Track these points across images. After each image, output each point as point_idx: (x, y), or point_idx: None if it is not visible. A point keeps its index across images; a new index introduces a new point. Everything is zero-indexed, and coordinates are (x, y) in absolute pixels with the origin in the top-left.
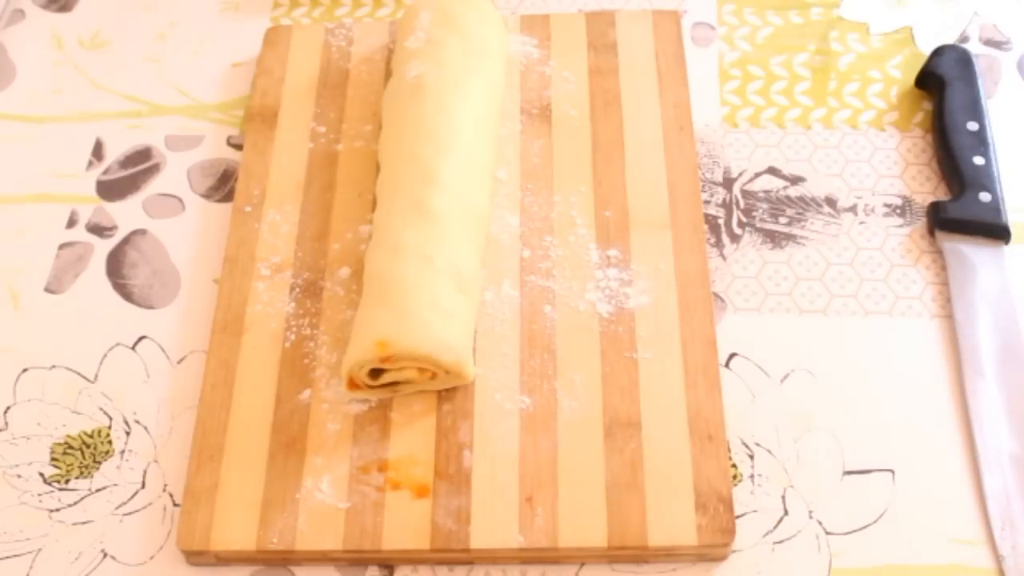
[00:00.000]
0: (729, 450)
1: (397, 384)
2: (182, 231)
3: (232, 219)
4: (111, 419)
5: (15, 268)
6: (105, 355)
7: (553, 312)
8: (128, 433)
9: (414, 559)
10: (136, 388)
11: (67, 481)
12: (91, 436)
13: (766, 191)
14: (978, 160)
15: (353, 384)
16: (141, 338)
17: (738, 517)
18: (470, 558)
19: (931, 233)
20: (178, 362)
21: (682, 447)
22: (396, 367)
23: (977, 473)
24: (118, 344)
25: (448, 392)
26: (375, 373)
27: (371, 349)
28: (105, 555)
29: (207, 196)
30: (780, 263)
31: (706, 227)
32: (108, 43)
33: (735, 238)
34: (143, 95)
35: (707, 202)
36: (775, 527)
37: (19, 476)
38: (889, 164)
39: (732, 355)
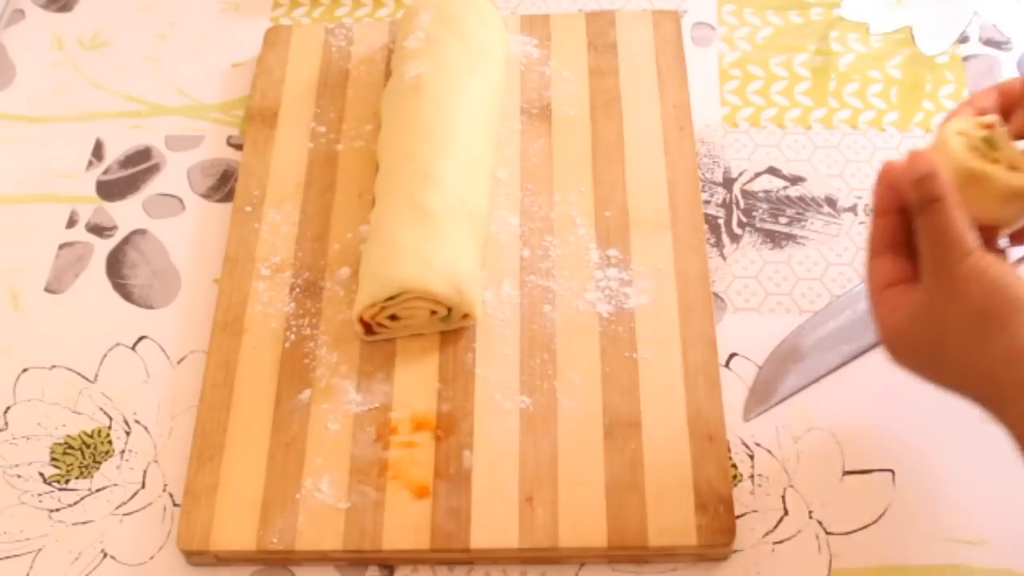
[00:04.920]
0: (729, 450)
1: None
2: (182, 231)
3: (232, 219)
4: (111, 419)
5: (15, 268)
6: (105, 355)
7: (553, 312)
8: (128, 433)
9: (414, 559)
10: (136, 388)
11: (67, 481)
12: (91, 436)
13: (766, 191)
14: None
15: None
16: (141, 338)
17: (738, 517)
18: (470, 558)
19: None
20: (178, 362)
21: (682, 447)
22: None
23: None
24: (118, 344)
25: (448, 392)
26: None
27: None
28: (105, 555)
29: (207, 196)
30: (780, 263)
31: (706, 227)
32: (108, 43)
33: (735, 238)
34: (143, 95)
35: (707, 202)
36: (775, 527)
37: (19, 476)
38: None
39: (732, 355)
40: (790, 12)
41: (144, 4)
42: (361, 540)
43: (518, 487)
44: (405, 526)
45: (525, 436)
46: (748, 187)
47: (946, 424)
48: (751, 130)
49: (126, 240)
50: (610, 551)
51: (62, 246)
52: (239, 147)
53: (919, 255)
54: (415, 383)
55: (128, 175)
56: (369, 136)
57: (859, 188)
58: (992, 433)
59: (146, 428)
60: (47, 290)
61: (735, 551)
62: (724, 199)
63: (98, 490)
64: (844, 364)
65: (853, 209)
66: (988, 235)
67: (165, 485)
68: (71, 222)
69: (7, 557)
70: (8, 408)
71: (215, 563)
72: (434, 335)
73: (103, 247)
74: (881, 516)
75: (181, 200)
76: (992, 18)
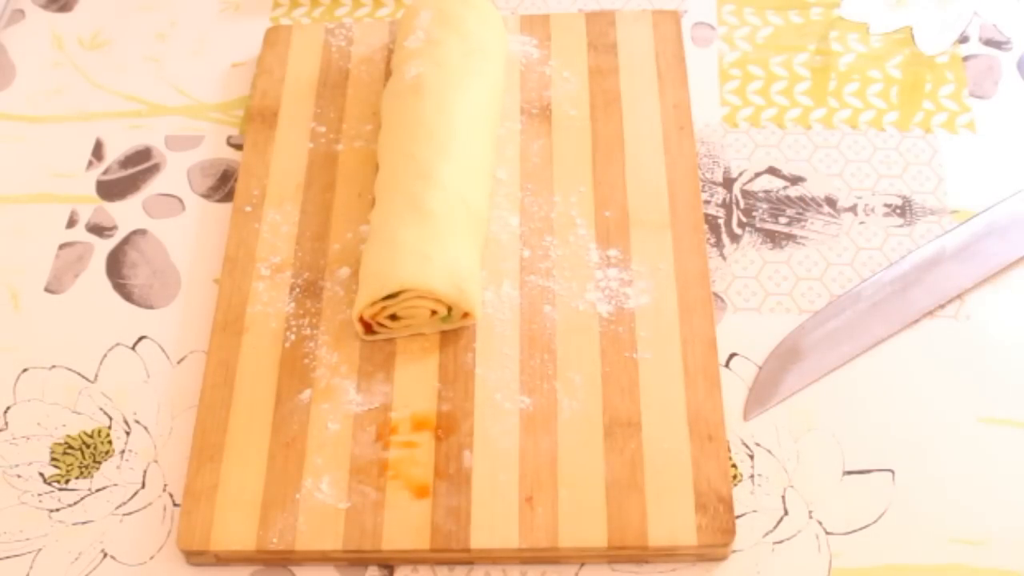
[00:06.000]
0: (729, 450)
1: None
2: (182, 231)
3: (232, 219)
4: (111, 419)
5: (15, 268)
6: (105, 355)
7: (553, 312)
8: (128, 433)
9: (414, 559)
10: (136, 388)
11: (67, 481)
12: (91, 436)
13: (766, 191)
14: None
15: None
16: (141, 338)
17: (738, 517)
18: (470, 558)
19: None
20: (178, 362)
21: (682, 447)
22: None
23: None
24: (118, 344)
25: (448, 392)
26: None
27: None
28: (105, 555)
29: (207, 196)
30: (780, 263)
31: (706, 227)
32: (108, 43)
33: (735, 238)
34: (143, 95)
35: (707, 202)
36: (775, 527)
37: (19, 476)
38: (889, 164)
39: (732, 355)
40: (790, 12)
41: (144, 4)
42: (361, 540)
43: (518, 487)
44: (405, 526)
45: (525, 436)
46: (748, 187)
47: (946, 424)
48: (751, 130)
49: (126, 240)
50: (610, 551)
51: (62, 246)
52: (239, 147)
53: None
54: (415, 383)
55: (128, 175)
56: (369, 136)
57: (859, 188)
58: (992, 433)
59: (146, 428)
60: (47, 290)
61: (735, 551)
62: (724, 199)
63: (98, 490)
64: (844, 364)
65: (853, 209)
66: None
67: (165, 485)
68: (71, 222)
69: (7, 557)
70: (8, 408)
71: (215, 563)
72: (434, 335)
73: (103, 247)
74: (881, 516)
75: (181, 200)
76: (992, 18)
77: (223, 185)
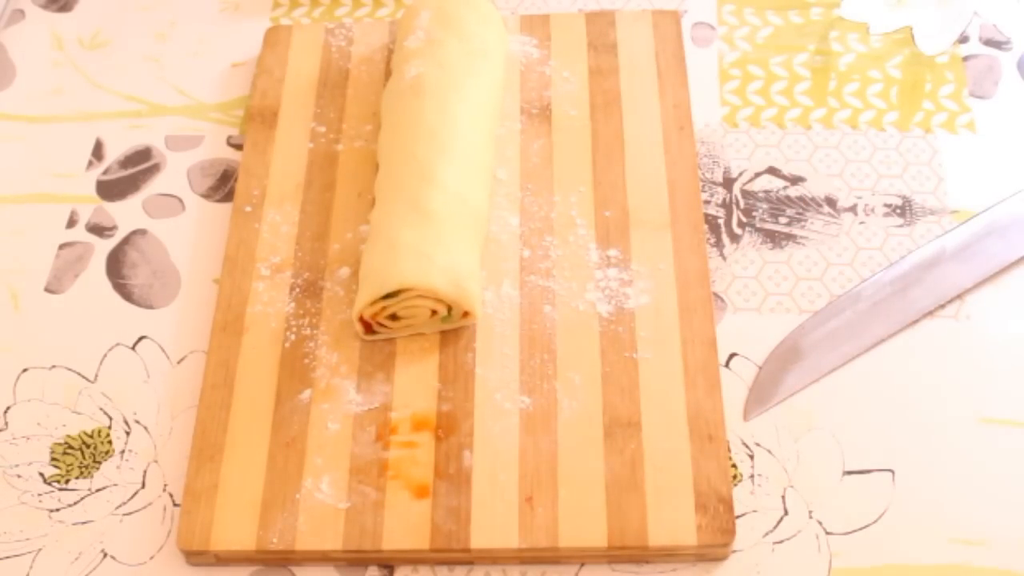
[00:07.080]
0: (729, 450)
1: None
2: (182, 231)
3: (232, 219)
4: (111, 419)
5: (15, 268)
6: (105, 355)
7: (553, 312)
8: (128, 433)
9: (414, 559)
10: (136, 388)
11: (67, 481)
12: (91, 436)
13: (766, 191)
14: None
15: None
16: (141, 338)
17: (738, 517)
18: (470, 558)
19: None
20: (178, 362)
21: (682, 447)
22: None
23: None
24: (118, 344)
25: (448, 392)
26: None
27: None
28: (105, 555)
29: (207, 196)
30: (780, 263)
31: (706, 227)
32: (108, 43)
33: (735, 238)
34: (143, 95)
35: (707, 202)
36: (775, 527)
37: (19, 476)
38: (889, 164)
39: (732, 355)
40: (790, 12)
41: (144, 4)
42: (361, 540)
43: (518, 487)
44: (405, 526)
45: (525, 436)
46: (748, 187)
47: (946, 424)
48: (751, 130)
49: (126, 240)
50: (610, 551)
51: (62, 246)
52: (239, 147)
53: None
54: (415, 383)
55: (128, 175)
56: (369, 136)
57: (859, 188)
58: (992, 433)
59: (146, 428)
60: (47, 290)
61: (735, 551)
62: (724, 199)
63: (98, 490)
64: (844, 364)
65: (853, 209)
66: None
67: (165, 485)
68: (71, 222)
69: (7, 557)
70: (8, 408)
71: (215, 563)
72: (434, 335)
73: (103, 247)
74: (881, 516)
75: (181, 200)
76: (992, 18)
77: (223, 185)
